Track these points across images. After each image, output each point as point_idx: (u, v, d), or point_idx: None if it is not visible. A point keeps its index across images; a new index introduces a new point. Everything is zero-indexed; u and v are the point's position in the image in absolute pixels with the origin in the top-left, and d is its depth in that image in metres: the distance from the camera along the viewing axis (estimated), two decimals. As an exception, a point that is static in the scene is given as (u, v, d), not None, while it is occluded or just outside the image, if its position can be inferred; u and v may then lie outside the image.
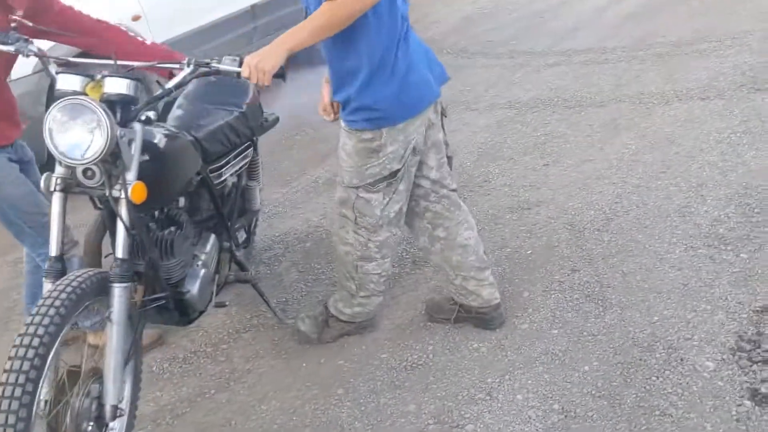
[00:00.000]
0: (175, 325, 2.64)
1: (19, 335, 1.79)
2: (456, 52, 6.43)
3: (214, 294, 2.71)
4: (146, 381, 2.75)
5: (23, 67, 3.94)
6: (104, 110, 1.91)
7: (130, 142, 2.00)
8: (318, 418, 2.46)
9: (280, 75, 2.11)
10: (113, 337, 2.00)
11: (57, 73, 2.03)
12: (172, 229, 2.41)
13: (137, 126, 2.03)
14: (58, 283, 1.93)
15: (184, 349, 2.95)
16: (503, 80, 5.59)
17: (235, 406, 2.57)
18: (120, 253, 2.03)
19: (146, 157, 2.13)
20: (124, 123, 2.02)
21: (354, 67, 2.27)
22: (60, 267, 2.04)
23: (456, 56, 6.28)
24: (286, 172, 4.43)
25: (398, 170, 2.38)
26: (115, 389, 2.00)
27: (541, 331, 2.72)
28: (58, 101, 1.92)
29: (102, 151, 1.91)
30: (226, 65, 2.13)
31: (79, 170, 2.00)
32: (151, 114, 2.15)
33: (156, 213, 2.40)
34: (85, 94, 1.99)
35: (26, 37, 2.16)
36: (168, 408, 2.61)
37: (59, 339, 1.84)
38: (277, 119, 3.36)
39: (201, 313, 2.60)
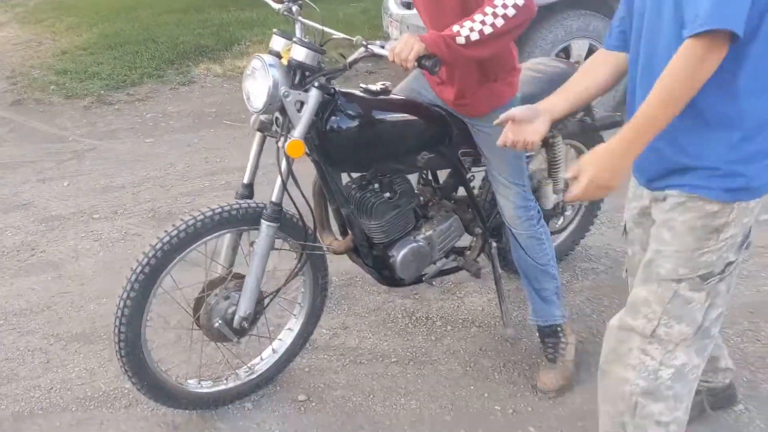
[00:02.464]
0: (379, 282, 2.75)
1: (165, 230, 2.26)
2: None
3: (432, 273, 2.76)
4: (380, 320, 3.04)
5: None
6: (270, 70, 2.14)
7: (301, 104, 2.17)
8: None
9: (424, 66, 2.00)
10: (253, 263, 2.33)
11: (274, 32, 2.28)
12: (385, 195, 2.51)
13: (312, 91, 2.17)
14: (229, 202, 2.33)
15: (429, 307, 3.11)
16: None
17: (380, 384, 2.68)
18: (273, 197, 2.29)
19: (355, 124, 2.30)
20: (304, 87, 2.19)
21: (727, 115, 1.63)
22: (247, 193, 2.42)
23: None
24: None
25: (732, 264, 1.77)
26: (243, 304, 2.34)
27: None
28: (255, 55, 2.22)
29: (263, 104, 2.18)
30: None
31: (272, 117, 2.30)
32: None
33: (372, 176, 2.51)
34: (280, 56, 2.22)
35: None
36: (358, 351, 2.86)
37: (195, 243, 2.27)
38: (616, 122, 2.93)
39: (408, 283, 2.70)
